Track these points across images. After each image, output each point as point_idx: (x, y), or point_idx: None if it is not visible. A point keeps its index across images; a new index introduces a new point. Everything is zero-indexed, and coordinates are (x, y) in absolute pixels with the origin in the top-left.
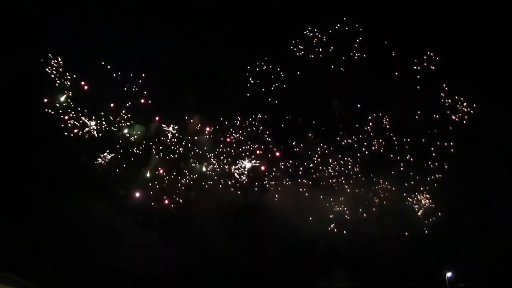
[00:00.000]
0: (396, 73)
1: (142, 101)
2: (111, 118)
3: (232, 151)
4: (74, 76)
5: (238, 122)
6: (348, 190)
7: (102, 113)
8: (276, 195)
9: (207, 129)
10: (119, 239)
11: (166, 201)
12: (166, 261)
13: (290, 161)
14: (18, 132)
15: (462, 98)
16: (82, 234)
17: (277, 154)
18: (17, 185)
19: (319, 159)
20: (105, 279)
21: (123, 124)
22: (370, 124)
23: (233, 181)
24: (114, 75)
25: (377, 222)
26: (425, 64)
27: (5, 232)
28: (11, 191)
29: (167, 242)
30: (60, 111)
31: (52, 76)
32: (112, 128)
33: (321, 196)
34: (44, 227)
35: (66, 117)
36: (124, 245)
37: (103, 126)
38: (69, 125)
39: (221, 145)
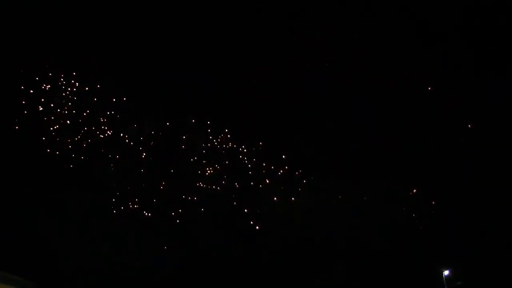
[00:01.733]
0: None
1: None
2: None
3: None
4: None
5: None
6: (345, 189)
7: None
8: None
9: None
10: (119, 240)
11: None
12: (165, 263)
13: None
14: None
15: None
16: (80, 234)
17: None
18: (15, 185)
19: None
20: (103, 279)
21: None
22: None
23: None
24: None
25: (373, 220)
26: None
27: (3, 231)
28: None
29: (165, 245)
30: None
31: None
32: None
33: (316, 195)
34: (43, 226)
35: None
36: (123, 246)
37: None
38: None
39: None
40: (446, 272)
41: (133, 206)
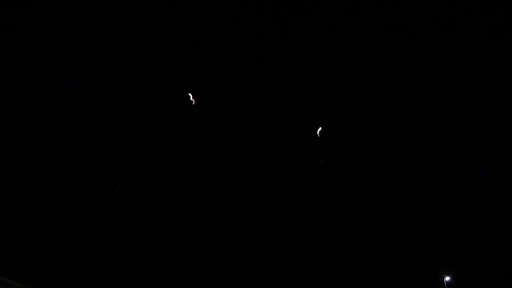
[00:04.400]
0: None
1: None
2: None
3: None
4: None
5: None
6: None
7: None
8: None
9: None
10: (115, 244)
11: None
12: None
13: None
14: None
15: None
16: (77, 241)
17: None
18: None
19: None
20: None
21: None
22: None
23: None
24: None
25: (374, 225)
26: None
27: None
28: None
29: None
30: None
31: None
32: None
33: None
34: (41, 233)
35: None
36: (119, 250)
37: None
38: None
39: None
40: (447, 278)
41: (129, 208)
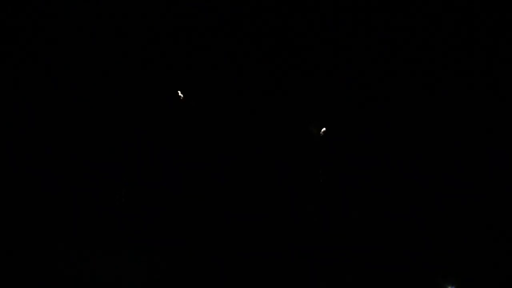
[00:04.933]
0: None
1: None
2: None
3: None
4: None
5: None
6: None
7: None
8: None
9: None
10: (115, 251)
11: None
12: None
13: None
14: None
15: None
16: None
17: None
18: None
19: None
20: None
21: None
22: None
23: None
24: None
25: (373, 233)
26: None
27: None
28: None
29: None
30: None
31: None
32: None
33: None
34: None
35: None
36: (119, 257)
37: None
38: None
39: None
40: None
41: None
